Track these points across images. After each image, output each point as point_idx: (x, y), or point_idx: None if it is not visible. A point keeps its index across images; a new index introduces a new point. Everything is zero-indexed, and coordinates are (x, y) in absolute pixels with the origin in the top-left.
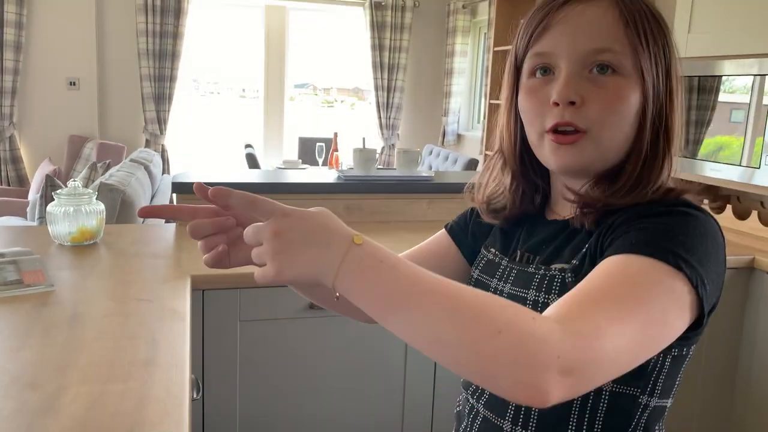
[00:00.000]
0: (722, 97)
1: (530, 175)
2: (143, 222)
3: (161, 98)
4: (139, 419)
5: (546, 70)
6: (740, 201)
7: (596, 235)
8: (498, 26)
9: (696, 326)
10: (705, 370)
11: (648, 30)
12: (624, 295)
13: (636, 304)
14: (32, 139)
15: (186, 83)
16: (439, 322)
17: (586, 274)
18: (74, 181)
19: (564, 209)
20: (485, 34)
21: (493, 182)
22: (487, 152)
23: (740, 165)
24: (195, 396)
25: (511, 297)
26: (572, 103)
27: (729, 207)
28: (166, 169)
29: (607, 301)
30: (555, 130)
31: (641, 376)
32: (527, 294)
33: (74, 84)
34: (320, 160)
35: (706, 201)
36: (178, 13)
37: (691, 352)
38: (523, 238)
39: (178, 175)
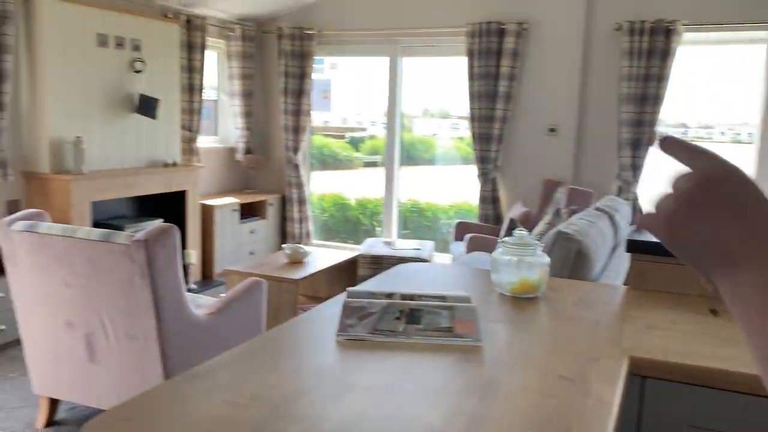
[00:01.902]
0: None
1: None
2: (597, 279)
3: (638, 144)
4: None
5: None
6: None
7: None
8: None
9: None
10: None
11: None
12: None
13: None
14: (510, 182)
15: (672, 127)
16: None
17: None
18: (521, 229)
19: None
20: None
21: None
22: None
23: None
24: None
25: None
26: None
27: None
28: (634, 220)
29: None
30: None
31: None
32: None
33: (554, 130)
34: None
35: None
36: (666, 54)
37: None
38: None
39: (633, 233)
